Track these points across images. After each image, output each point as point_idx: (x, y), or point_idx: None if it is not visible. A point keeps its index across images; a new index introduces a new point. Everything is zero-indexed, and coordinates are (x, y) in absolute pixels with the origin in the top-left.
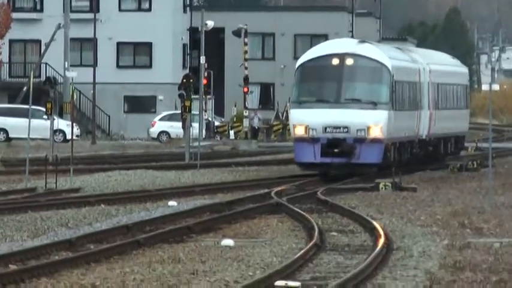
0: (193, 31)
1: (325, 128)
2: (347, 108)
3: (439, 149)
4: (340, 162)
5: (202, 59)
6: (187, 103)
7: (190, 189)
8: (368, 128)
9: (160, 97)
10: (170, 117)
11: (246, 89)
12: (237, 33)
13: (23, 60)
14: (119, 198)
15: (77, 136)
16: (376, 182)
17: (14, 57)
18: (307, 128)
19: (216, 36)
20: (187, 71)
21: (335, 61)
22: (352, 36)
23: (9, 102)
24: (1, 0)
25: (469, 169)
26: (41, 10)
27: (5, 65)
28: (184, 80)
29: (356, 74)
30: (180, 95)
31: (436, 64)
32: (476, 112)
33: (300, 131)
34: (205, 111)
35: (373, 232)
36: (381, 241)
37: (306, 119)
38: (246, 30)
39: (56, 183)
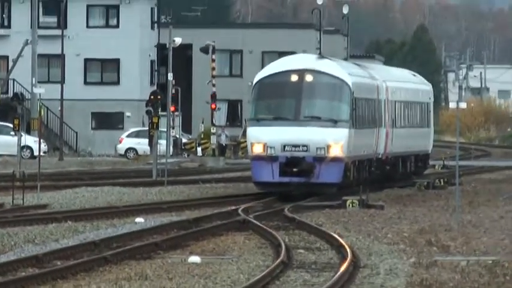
0: (161, 48)
1: (284, 146)
2: (306, 126)
3: (396, 168)
4: (300, 182)
5: (170, 76)
6: (154, 120)
7: (157, 206)
8: (328, 146)
9: (127, 113)
10: (137, 134)
11: (213, 106)
12: (204, 49)
13: None
14: (86, 215)
15: (44, 152)
16: (343, 199)
17: None
18: (265, 146)
19: (184, 52)
20: (155, 87)
21: (294, 77)
22: (320, 54)
23: None
24: None
25: (436, 187)
26: (9, 26)
27: None
28: (152, 97)
29: (316, 90)
30: (147, 112)
31: (394, 81)
32: (444, 130)
33: (257, 149)
34: (173, 128)
35: (340, 250)
36: (348, 259)
37: (264, 137)
38: (214, 47)
39: (23, 199)
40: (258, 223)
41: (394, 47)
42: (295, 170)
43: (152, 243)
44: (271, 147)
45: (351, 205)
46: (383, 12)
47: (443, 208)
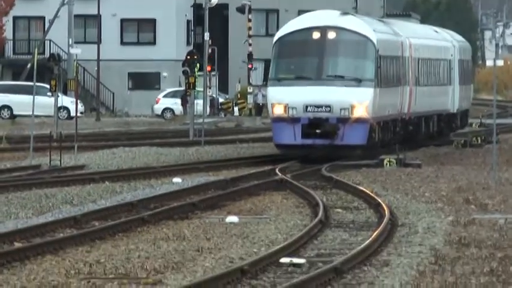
0: (197, 7)
1: (306, 107)
2: (329, 85)
3: (420, 128)
4: (323, 144)
5: (206, 36)
6: (191, 80)
7: (194, 166)
8: (352, 106)
9: (164, 74)
10: (174, 94)
11: (250, 66)
12: (240, 9)
13: (27, 37)
14: (124, 175)
15: (81, 113)
16: (380, 158)
17: (18, 34)
18: (286, 107)
19: (220, 12)
20: (191, 47)
21: (316, 35)
22: (356, 12)
23: (14, 79)
24: None
25: (473, 145)
26: None
27: (9, 42)
28: (188, 57)
29: (339, 48)
30: (184, 72)
31: (417, 37)
32: (481, 88)
33: (278, 111)
34: (210, 87)
35: (377, 208)
36: (386, 217)
37: (285, 98)
38: (250, 7)
39: (60, 160)
40: (295, 182)
41: (430, 6)
42: (318, 131)
43: (190, 204)
44: (292, 108)
45: (388, 164)
46: None
47: (481, 166)
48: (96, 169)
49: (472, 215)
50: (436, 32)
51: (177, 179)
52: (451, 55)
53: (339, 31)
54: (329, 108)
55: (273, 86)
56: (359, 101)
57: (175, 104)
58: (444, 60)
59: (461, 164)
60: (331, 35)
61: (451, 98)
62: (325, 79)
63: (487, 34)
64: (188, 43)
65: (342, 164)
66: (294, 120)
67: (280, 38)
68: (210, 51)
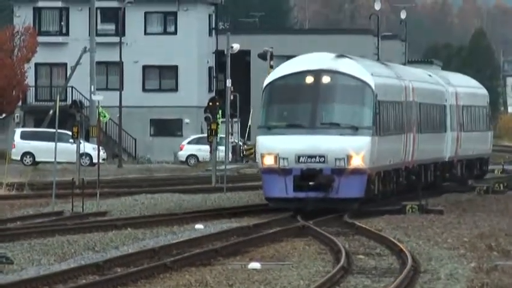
0: (219, 54)
1: (299, 158)
2: (324, 134)
3: (421, 177)
4: (317, 197)
5: (228, 82)
6: (213, 126)
7: (217, 212)
8: (348, 156)
9: (186, 120)
10: (198, 141)
11: None
12: (262, 56)
13: (49, 84)
14: (146, 222)
15: (103, 160)
16: (402, 204)
17: (40, 81)
18: (277, 158)
19: (242, 59)
20: (213, 94)
21: (309, 79)
22: (378, 59)
23: (36, 126)
24: (27, 24)
25: (496, 191)
26: (67, 33)
27: (31, 88)
28: (210, 103)
29: (334, 94)
30: (206, 118)
31: (419, 81)
32: (503, 134)
33: (269, 161)
34: (232, 134)
35: (400, 255)
36: (408, 264)
37: (276, 147)
38: (272, 53)
39: (82, 206)
40: (317, 229)
41: (452, 52)
42: (311, 184)
43: (212, 250)
44: (284, 159)
45: (410, 210)
46: (441, 16)
47: (503, 213)
48: (119, 215)
49: (494, 262)
50: (430, 75)
51: (199, 226)
52: (446, 100)
53: (334, 75)
54: (323, 159)
55: (262, 134)
56: (355, 150)
57: (200, 150)
58: (440, 105)
59: (484, 211)
60: (326, 79)
61: (445, 145)
62: (319, 127)
63: (509, 80)
64: (210, 89)
65: (364, 210)
66: (285, 171)
67: (270, 83)
68: (232, 97)
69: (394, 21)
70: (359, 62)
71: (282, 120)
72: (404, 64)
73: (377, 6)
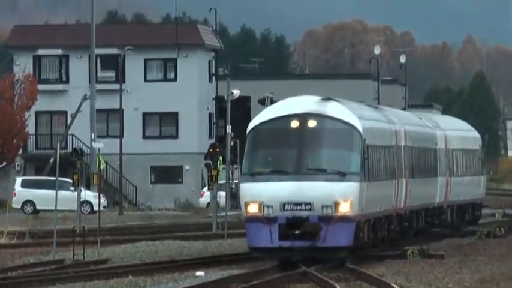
0: (219, 100)
1: (284, 205)
2: (310, 180)
3: (416, 224)
4: (303, 246)
5: (229, 128)
6: (214, 172)
7: (218, 259)
8: (335, 203)
9: (186, 167)
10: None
11: None
12: (262, 101)
13: (50, 132)
14: (147, 269)
15: (104, 207)
16: (404, 249)
17: (41, 129)
18: (261, 206)
19: (242, 104)
20: (213, 140)
21: (294, 123)
22: (378, 104)
23: (36, 174)
24: (27, 72)
25: (497, 236)
26: (67, 81)
27: (31, 136)
28: (211, 150)
29: (320, 138)
30: (206, 165)
31: (411, 124)
32: (503, 177)
33: (252, 209)
34: (232, 180)
35: None
36: None
37: (260, 195)
38: (272, 99)
39: (83, 254)
40: (318, 275)
41: (452, 95)
42: (297, 232)
43: None
44: (268, 207)
45: (411, 255)
46: (440, 60)
47: (504, 257)
48: (120, 263)
49: None
50: (420, 118)
51: (200, 273)
52: (436, 143)
53: (320, 119)
54: (309, 206)
55: (246, 181)
56: (343, 197)
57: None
58: (432, 149)
59: (485, 255)
60: (311, 123)
61: (437, 190)
62: (305, 173)
63: (510, 124)
64: (210, 136)
65: (365, 255)
66: (270, 219)
67: (254, 128)
68: (232, 143)
69: (394, 66)
70: (346, 105)
71: (266, 166)
72: (404, 108)
73: (377, 51)
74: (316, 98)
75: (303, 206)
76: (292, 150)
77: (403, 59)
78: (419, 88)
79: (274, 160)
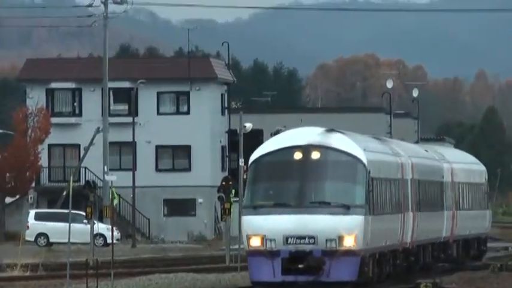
0: (231, 133)
1: (287, 239)
2: (313, 213)
3: (423, 259)
4: (307, 281)
5: (241, 161)
6: (227, 205)
7: None
8: (340, 237)
9: (199, 200)
10: None
11: None
12: (275, 134)
13: (63, 165)
14: None
15: (117, 240)
16: (417, 282)
17: (53, 162)
18: (263, 239)
19: (255, 138)
20: (226, 173)
21: (297, 155)
22: (391, 137)
23: (49, 207)
24: (40, 105)
25: (510, 269)
26: (80, 115)
27: (44, 169)
28: (224, 183)
29: (323, 170)
30: (219, 198)
31: (418, 157)
32: None
33: (255, 243)
34: None
35: None
36: None
37: (262, 228)
38: None
39: (97, 287)
40: None
41: (464, 130)
42: (300, 266)
43: None
44: (271, 240)
45: None
46: (452, 94)
47: None
48: None
49: None
50: (426, 151)
51: None
52: (443, 176)
53: (324, 150)
54: (313, 240)
55: (248, 214)
56: (347, 230)
57: None
58: (439, 182)
59: None
60: (315, 155)
61: (443, 224)
62: (308, 206)
63: None
64: (223, 169)
65: None
66: (273, 253)
67: (256, 160)
68: (244, 176)
69: (406, 99)
70: (350, 137)
71: (268, 199)
72: (416, 142)
73: (389, 85)
74: (319, 130)
75: (306, 239)
76: (295, 182)
77: (415, 93)
78: (431, 122)
79: (276, 193)
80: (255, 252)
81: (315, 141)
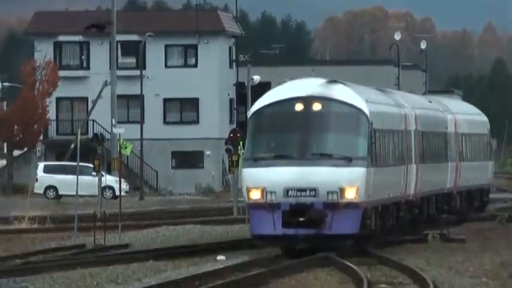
0: (239, 86)
1: (287, 191)
2: (314, 165)
3: (427, 211)
4: (308, 234)
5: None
6: (234, 158)
7: (238, 244)
8: (341, 189)
9: (207, 152)
10: None
11: None
12: None
13: (70, 118)
14: (168, 254)
15: (126, 192)
16: (424, 233)
17: (61, 115)
18: (263, 192)
19: (262, 90)
20: (234, 125)
21: (299, 106)
22: (399, 89)
23: (57, 160)
24: (47, 58)
25: None
26: (88, 68)
27: (52, 122)
28: (231, 135)
29: (325, 122)
30: (227, 150)
31: (422, 108)
32: None
33: (255, 196)
34: None
35: (422, 284)
36: None
37: (262, 181)
38: None
39: (104, 239)
40: (339, 259)
41: (472, 82)
42: (301, 219)
43: (234, 281)
44: (271, 193)
45: (432, 239)
46: (461, 46)
47: None
48: (141, 248)
49: None
50: (430, 102)
51: (221, 257)
52: (447, 127)
53: (326, 102)
54: (314, 192)
55: (248, 167)
56: (349, 183)
57: None
58: (443, 133)
59: (505, 239)
60: (316, 106)
61: (447, 176)
62: (310, 158)
63: None
64: (231, 121)
65: (386, 239)
66: (273, 206)
67: (256, 111)
68: None
69: (414, 52)
70: (352, 88)
71: (269, 151)
72: (424, 94)
73: (397, 37)
74: (321, 81)
75: (307, 192)
76: (296, 134)
77: (423, 44)
78: (439, 74)
79: (277, 145)
80: (255, 205)
81: (316, 92)
